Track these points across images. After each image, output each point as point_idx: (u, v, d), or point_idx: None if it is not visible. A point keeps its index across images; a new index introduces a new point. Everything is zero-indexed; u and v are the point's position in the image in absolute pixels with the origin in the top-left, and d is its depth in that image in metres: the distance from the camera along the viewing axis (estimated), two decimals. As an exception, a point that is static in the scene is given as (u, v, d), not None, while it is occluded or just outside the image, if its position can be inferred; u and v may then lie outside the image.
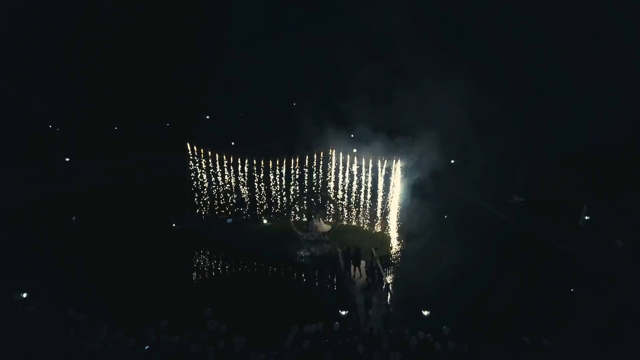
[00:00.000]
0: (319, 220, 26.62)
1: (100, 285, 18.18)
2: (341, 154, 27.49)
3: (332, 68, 41.03)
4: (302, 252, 23.54)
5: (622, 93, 33.05)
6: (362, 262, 20.95)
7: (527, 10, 36.11)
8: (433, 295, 17.10)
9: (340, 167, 27.65)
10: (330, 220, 27.82)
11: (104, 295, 16.63)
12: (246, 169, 27.66)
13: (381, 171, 26.24)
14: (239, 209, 28.36)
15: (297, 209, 28.66)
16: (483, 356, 11.74)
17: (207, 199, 28.25)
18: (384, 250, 23.39)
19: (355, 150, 27.30)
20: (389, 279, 21.44)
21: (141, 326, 12.13)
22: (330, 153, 27.89)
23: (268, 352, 11.47)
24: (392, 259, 23.64)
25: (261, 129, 47.57)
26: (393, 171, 25.42)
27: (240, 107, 58.38)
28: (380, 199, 26.78)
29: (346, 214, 28.42)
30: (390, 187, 25.89)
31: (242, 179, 27.90)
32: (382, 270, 20.11)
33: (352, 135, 29.22)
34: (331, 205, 28.14)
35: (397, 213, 26.14)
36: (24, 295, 13.90)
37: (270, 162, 27.61)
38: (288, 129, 38.87)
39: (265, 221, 28.18)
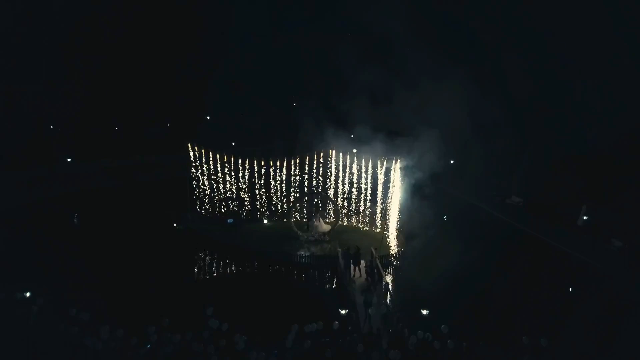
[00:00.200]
0: (319, 220, 26.73)
1: (102, 284, 18.34)
2: (341, 154, 27.62)
3: (333, 68, 41.11)
4: (302, 252, 23.67)
5: (619, 95, 33.20)
6: (362, 262, 21.09)
7: (526, 12, 36.25)
8: (432, 295, 17.21)
9: (340, 168, 27.78)
10: (331, 220, 27.95)
11: (106, 294, 16.76)
12: (247, 169, 27.77)
13: (381, 171, 26.37)
14: (240, 209, 28.48)
15: (298, 209, 28.76)
16: (482, 355, 11.87)
17: (208, 199, 28.37)
18: (383, 250, 23.52)
19: (355, 151, 27.43)
20: (388, 278, 21.59)
21: (143, 325, 12.25)
22: (330, 153, 28.03)
23: (269, 351, 11.60)
24: (392, 259, 23.79)
25: (262, 129, 47.64)
26: (393, 171, 25.54)
27: (241, 107, 58.46)
28: (380, 199, 26.90)
29: (346, 214, 28.54)
30: (390, 187, 26.02)
31: (243, 180, 28.00)
32: (381, 270, 20.24)
33: (352, 136, 29.35)
34: (331, 205, 28.27)
35: (397, 213, 26.25)
36: (27, 294, 14.04)
37: (271, 162, 27.73)
38: (288, 129, 39.02)
39: (265, 221, 28.31)
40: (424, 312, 15.10)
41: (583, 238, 26.23)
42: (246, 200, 28.48)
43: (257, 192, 28.26)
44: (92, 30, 52.12)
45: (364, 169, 26.94)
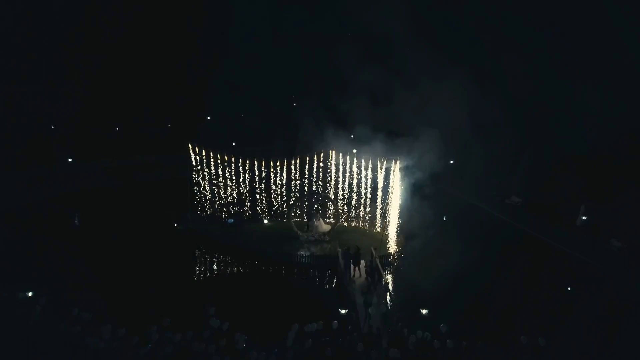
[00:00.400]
0: (319, 220, 26.78)
1: (104, 284, 18.40)
2: (341, 154, 27.67)
3: (333, 68, 41.17)
4: (302, 252, 23.73)
5: (619, 95, 33.24)
6: (362, 262, 21.14)
7: (526, 12, 36.29)
8: (432, 295, 17.27)
9: (340, 168, 27.82)
10: (331, 220, 28.00)
11: (107, 294, 16.83)
12: (247, 170, 27.81)
13: (381, 171, 26.41)
14: (240, 210, 28.53)
15: (298, 209, 28.81)
16: (481, 354, 11.93)
17: (208, 199, 28.40)
18: (383, 250, 23.58)
19: (355, 151, 27.48)
20: (388, 278, 21.64)
21: (144, 324, 12.31)
22: (330, 153, 28.08)
23: (269, 350, 11.65)
24: (392, 259, 23.85)
25: (262, 129, 47.69)
26: (392, 171, 25.58)
27: (241, 107, 58.51)
28: (379, 199, 26.95)
29: (346, 214, 28.59)
30: (390, 187, 26.06)
31: (243, 185, 28.05)
32: (381, 270, 20.29)
33: (352, 136, 29.40)
34: (331, 205, 28.32)
35: (397, 213, 26.29)
36: (29, 294, 14.10)
37: (271, 162, 27.78)
38: (288, 130, 39.08)
39: (265, 221, 28.36)
40: (424, 311, 15.15)
41: (583, 238, 26.28)
42: (246, 203, 28.50)
43: (257, 194, 28.25)
44: (92, 30, 52.17)
45: (363, 169, 26.98)
